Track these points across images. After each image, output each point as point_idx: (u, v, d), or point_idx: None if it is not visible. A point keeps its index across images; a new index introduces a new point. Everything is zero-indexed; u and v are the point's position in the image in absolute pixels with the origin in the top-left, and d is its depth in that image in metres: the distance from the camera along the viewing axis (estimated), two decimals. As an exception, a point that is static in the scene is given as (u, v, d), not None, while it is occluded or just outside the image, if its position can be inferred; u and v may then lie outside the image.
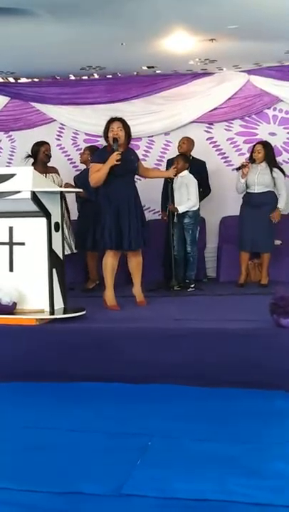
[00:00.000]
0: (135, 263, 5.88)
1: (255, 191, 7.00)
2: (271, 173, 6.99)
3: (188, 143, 7.44)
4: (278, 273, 7.15)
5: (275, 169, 7.03)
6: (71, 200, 7.27)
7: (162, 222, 7.31)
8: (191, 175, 7.07)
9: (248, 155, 7.41)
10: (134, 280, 5.93)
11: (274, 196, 7.04)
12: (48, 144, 7.33)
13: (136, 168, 5.86)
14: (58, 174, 7.17)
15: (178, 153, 7.34)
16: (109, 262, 5.77)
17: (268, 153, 7.06)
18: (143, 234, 5.78)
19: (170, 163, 7.32)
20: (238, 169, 7.08)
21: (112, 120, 5.80)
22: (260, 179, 6.97)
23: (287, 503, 2.71)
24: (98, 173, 5.64)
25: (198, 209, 7.13)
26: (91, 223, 7.00)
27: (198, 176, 7.17)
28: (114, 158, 5.54)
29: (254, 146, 7.19)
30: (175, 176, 6.57)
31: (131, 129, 5.88)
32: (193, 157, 7.43)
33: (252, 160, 7.07)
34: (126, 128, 5.77)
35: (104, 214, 5.73)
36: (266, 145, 7.15)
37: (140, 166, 5.98)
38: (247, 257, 7.18)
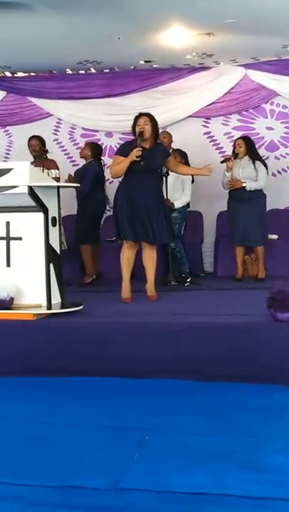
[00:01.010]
0: (147, 256, 5.83)
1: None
2: (254, 166, 7.00)
3: (168, 137, 7.41)
4: (275, 267, 7.16)
5: (257, 162, 7.06)
6: (70, 195, 7.26)
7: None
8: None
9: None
10: (147, 275, 5.89)
11: (257, 190, 7.06)
12: (37, 138, 7.24)
13: (158, 165, 5.83)
14: (53, 169, 7.09)
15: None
16: (125, 254, 5.79)
17: (249, 148, 7.10)
18: (160, 229, 5.72)
19: None
20: (222, 162, 7.08)
21: (139, 115, 5.79)
22: (244, 173, 7.00)
23: (285, 496, 2.71)
24: (118, 166, 5.67)
25: (188, 204, 7.15)
26: (90, 218, 7.04)
27: None
28: (134, 154, 5.52)
29: (235, 141, 7.20)
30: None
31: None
32: (173, 149, 7.41)
33: (235, 155, 7.07)
34: (153, 122, 5.73)
35: (119, 207, 5.73)
36: (247, 140, 7.19)
37: (170, 161, 5.94)
38: (242, 251, 7.19)
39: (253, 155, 7.11)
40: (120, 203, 5.72)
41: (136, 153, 5.50)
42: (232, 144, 8.03)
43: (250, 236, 7.07)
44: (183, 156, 7.14)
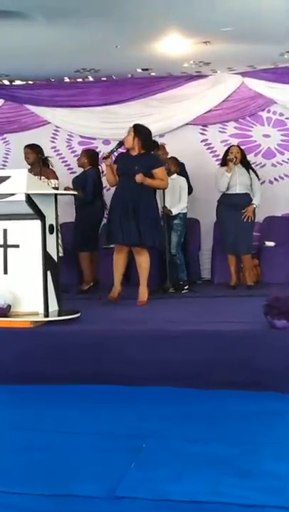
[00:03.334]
0: (137, 262, 6.08)
1: (237, 192, 7.04)
2: (249, 174, 7.04)
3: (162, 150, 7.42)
4: (272, 274, 7.17)
5: (250, 171, 7.14)
6: (66, 202, 7.25)
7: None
8: (181, 177, 7.12)
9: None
10: (140, 280, 6.06)
11: (251, 198, 7.11)
12: (28, 146, 7.10)
13: (136, 172, 5.84)
14: (52, 179, 7.04)
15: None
16: (114, 257, 6.07)
17: (243, 156, 7.16)
18: (141, 234, 5.84)
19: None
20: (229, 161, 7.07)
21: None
22: (241, 179, 7.04)
23: (279, 503, 2.71)
24: (106, 175, 6.21)
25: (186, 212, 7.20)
26: (89, 225, 7.05)
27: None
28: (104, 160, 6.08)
29: (229, 148, 7.21)
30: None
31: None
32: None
33: (226, 162, 7.06)
34: (137, 133, 5.97)
35: (109, 211, 6.14)
36: (240, 148, 7.26)
37: (155, 174, 5.94)
38: (234, 259, 7.20)
39: (246, 163, 7.19)
40: (111, 207, 6.09)
41: (105, 159, 6.05)
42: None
43: (240, 245, 7.09)
44: (178, 165, 7.17)
